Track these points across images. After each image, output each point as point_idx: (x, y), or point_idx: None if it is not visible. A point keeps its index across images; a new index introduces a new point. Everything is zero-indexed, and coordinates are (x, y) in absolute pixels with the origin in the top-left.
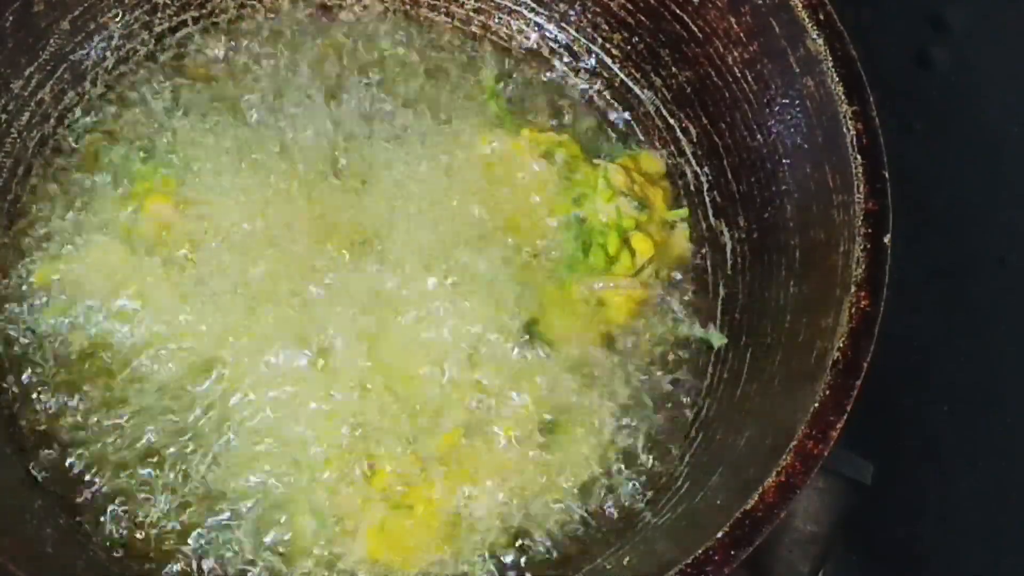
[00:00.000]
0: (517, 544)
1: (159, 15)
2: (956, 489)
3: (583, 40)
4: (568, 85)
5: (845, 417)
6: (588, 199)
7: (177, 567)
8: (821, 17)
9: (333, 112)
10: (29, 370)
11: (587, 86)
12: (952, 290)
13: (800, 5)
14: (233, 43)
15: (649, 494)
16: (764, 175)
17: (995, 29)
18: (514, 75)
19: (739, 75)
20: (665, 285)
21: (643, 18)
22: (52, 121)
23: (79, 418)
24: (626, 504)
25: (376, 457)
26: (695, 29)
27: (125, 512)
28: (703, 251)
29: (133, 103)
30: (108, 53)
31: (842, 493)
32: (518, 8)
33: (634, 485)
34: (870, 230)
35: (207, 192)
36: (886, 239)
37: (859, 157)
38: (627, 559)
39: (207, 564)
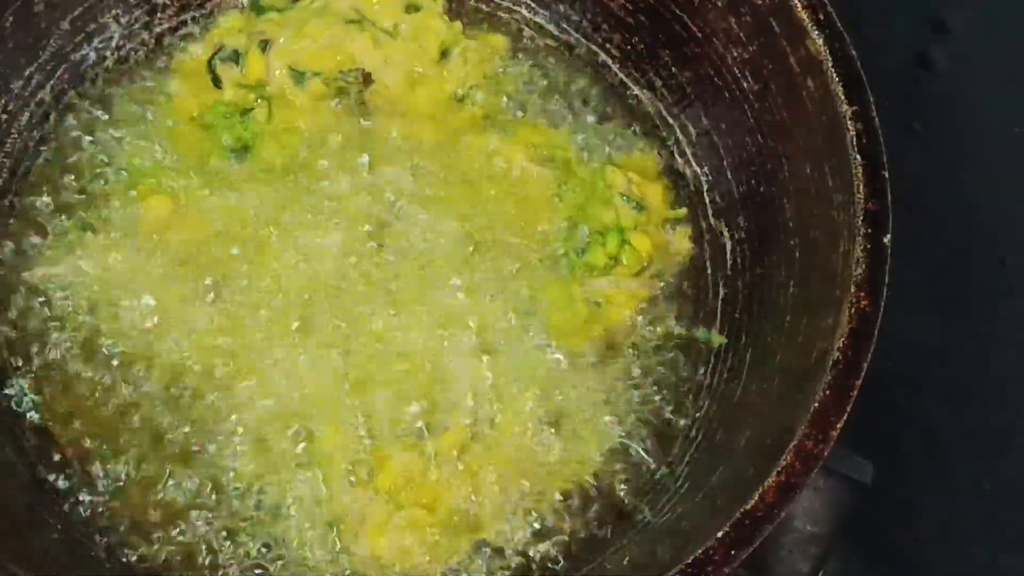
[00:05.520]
0: (519, 543)
1: (159, 15)
2: (956, 489)
3: (583, 40)
4: (567, 86)
5: (845, 417)
6: (587, 200)
7: (179, 567)
8: (821, 17)
9: (333, 109)
10: (30, 370)
11: (587, 86)
12: (952, 290)
13: (800, 5)
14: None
15: (649, 494)
16: (764, 175)
17: (995, 29)
18: (514, 76)
19: (739, 75)
20: (665, 285)
21: (643, 18)
22: (52, 121)
23: (81, 418)
24: (626, 504)
25: (381, 455)
26: (695, 29)
27: (126, 512)
28: (703, 251)
29: (133, 103)
30: (108, 53)
31: (842, 493)
32: (517, 8)
33: (634, 485)
34: (870, 230)
35: (209, 191)
36: (886, 239)
37: (859, 157)
38: (627, 559)
39: (209, 564)
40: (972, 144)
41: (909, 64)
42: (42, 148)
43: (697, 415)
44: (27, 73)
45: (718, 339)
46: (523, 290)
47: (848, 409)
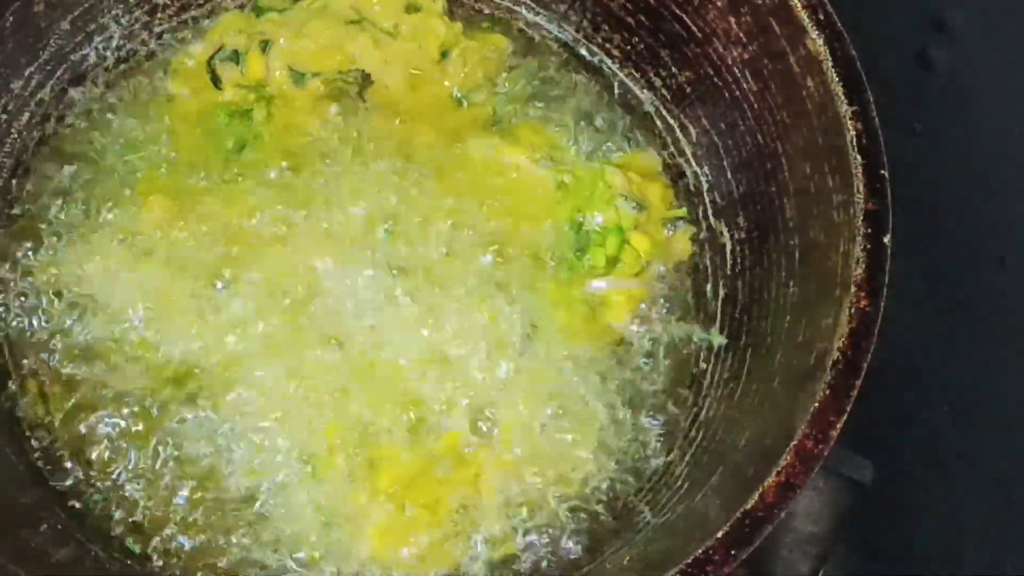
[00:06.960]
0: (519, 543)
1: (159, 15)
2: (956, 489)
3: (583, 40)
4: (567, 86)
5: (845, 417)
6: (587, 200)
7: (179, 568)
8: (821, 17)
9: (333, 109)
10: (30, 369)
11: (587, 86)
12: (952, 290)
13: (800, 5)
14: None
15: (649, 494)
16: (764, 175)
17: (995, 29)
18: (513, 76)
19: (739, 75)
20: (665, 285)
21: (643, 18)
22: (52, 121)
23: (80, 417)
24: (626, 503)
25: (381, 457)
26: (695, 29)
27: (126, 513)
28: (703, 251)
29: (133, 103)
30: (108, 53)
31: (842, 493)
32: (517, 8)
33: (635, 485)
34: (870, 230)
35: (208, 191)
36: (886, 239)
37: (859, 157)
38: (627, 559)
39: (209, 565)
40: (972, 144)
41: (909, 64)
42: (42, 148)
43: (697, 415)
44: (27, 73)
45: (718, 339)
46: (523, 290)
47: (848, 409)
